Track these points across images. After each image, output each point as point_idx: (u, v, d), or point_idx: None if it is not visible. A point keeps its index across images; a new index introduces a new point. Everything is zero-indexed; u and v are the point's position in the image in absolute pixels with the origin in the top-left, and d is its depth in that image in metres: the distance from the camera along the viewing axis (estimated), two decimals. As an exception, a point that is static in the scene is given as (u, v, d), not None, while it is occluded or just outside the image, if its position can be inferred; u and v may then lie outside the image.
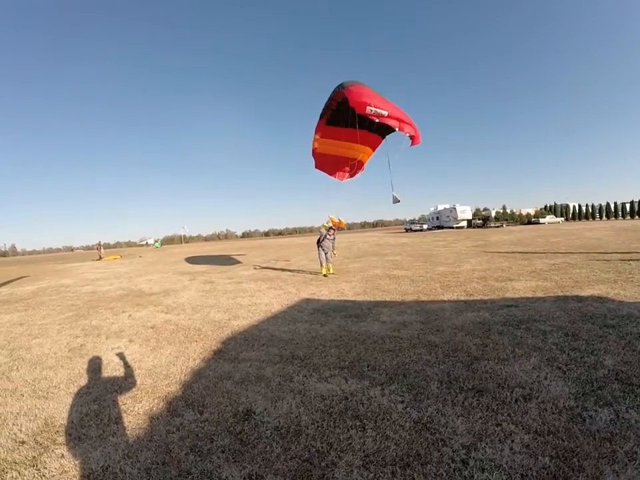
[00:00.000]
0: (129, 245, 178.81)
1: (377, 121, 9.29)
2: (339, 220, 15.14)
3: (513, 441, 3.22)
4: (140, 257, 42.19)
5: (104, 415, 4.12)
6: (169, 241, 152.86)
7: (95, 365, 5.78)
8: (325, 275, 14.36)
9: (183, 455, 3.29)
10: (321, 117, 11.95)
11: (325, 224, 15.33)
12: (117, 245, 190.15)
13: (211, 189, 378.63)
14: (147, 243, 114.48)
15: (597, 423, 3.42)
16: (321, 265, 14.75)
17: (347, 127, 11.20)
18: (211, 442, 3.46)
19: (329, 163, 13.96)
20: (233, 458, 3.20)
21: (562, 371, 4.56)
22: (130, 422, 3.95)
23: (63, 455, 3.39)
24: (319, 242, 15.02)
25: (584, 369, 4.57)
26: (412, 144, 9.90)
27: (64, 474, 3.11)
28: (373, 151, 12.95)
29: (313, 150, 13.21)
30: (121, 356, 6.17)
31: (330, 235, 15.02)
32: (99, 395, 4.62)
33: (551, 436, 3.26)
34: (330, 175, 14.29)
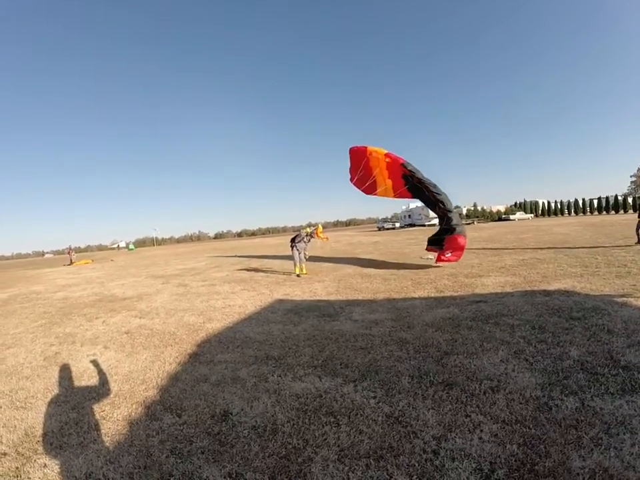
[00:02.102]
0: (100, 248, 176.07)
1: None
2: (325, 236, 15.92)
3: (481, 431, 3.36)
4: (112, 260, 41.58)
5: (83, 422, 4.14)
6: (140, 243, 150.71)
7: (71, 373, 5.76)
8: (298, 275, 14.41)
9: (164, 457, 3.35)
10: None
11: (309, 229, 15.45)
12: (88, 248, 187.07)
13: (183, 190, 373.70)
14: (118, 246, 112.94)
15: (563, 411, 3.58)
16: (295, 265, 14.76)
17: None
18: (191, 444, 3.53)
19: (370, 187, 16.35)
20: (213, 458, 3.28)
21: (529, 363, 4.73)
22: (110, 428, 3.98)
23: (45, 464, 3.42)
24: (293, 241, 15.03)
25: (550, 360, 4.75)
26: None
27: None
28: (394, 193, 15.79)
29: (370, 179, 15.73)
30: (97, 363, 6.15)
31: (307, 240, 15.09)
32: (77, 403, 4.63)
33: (519, 425, 3.41)
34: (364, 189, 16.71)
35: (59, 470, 3.32)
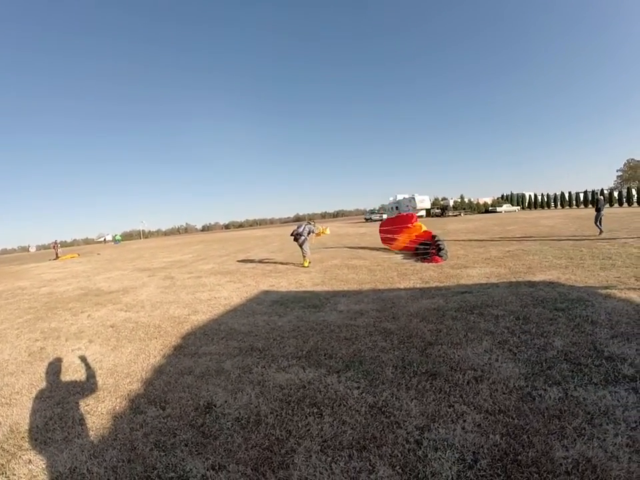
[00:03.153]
0: (87, 242, 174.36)
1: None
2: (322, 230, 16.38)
3: (464, 421, 3.38)
4: (98, 254, 41.19)
5: (68, 417, 4.12)
6: (127, 236, 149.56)
7: (56, 368, 5.73)
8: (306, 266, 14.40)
9: (148, 451, 3.34)
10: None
11: (312, 226, 15.57)
12: (74, 242, 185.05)
13: (170, 183, 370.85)
14: (104, 239, 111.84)
15: (546, 401, 3.60)
16: (305, 257, 14.80)
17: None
18: (174, 436, 3.53)
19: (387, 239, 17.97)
20: (196, 450, 3.28)
21: (512, 353, 4.76)
22: (94, 422, 3.97)
23: (30, 460, 3.40)
24: (299, 237, 14.99)
25: (534, 351, 4.78)
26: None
27: (33, 479, 3.14)
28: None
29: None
30: (82, 357, 6.13)
31: (307, 235, 15.08)
32: (62, 398, 4.60)
33: (502, 415, 3.42)
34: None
35: (43, 466, 3.31)
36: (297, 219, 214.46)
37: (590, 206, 70.53)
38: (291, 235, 15.37)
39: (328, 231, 16.76)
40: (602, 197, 19.17)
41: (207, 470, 3.02)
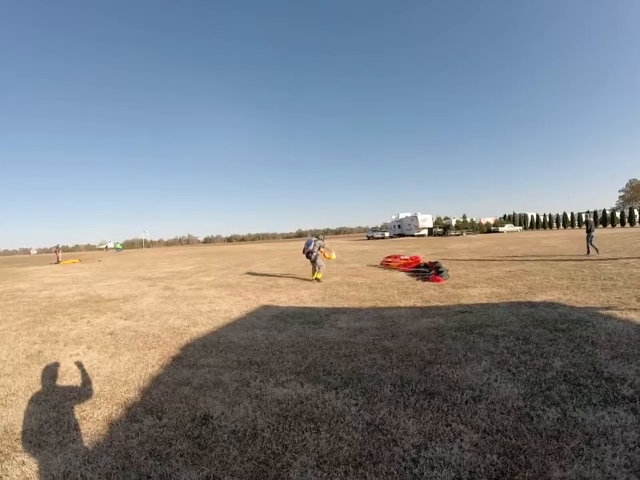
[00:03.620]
0: (89, 248, 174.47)
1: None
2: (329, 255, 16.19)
3: (462, 440, 3.36)
4: (99, 261, 41.10)
5: (63, 421, 4.12)
6: (129, 245, 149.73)
7: (53, 372, 5.73)
8: (318, 280, 14.59)
9: (142, 459, 3.33)
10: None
11: (322, 241, 15.63)
12: (76, 248, 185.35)
13: (174, 193, 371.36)
14: (106, 247, 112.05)
15: (545, 421, 3.58)
16: (318, 270, 14.89)
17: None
18: (170, 446, 3.51)
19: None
20: (192, 461, 3.26)
21: (512, 373, 4.75)
22: (89, 428, 3.96)
23: (23, 462, 3.40)
24: (311, 254, 15.07)
25: (533, 371, 4.77)
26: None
27: None
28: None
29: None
30: (80, 363, 6.12)
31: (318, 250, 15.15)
32: (58, 402, 4.60)
33: (499, 434, 3.41)
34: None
35: (37, 468, 3.30)
36: (300, 234, 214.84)
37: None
38: (303, 252, 15.50)
39: (334, 256, 16.77)
40: (591, 219, 20.63)
41: (202, 481, 3.00)
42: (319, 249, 15.14)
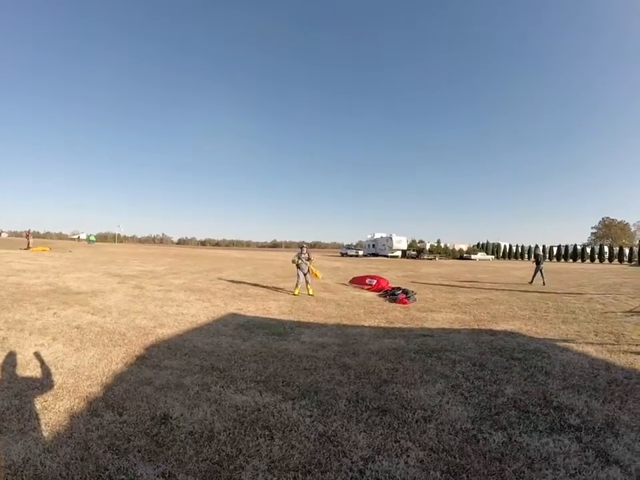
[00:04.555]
0: (60, 237, 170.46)
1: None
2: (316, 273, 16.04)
3: (408, 456, 3.51)
4: (70, 251, 40.19)
5: (25, 410, 4.17)
6: (102, 238, 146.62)
7: (17, 361, 5.75)
8: (295, 294, 14.38)
9: (101, 452, 3.42)
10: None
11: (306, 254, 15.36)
12: (47, 235, 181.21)
13: (151, 190, 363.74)
14: (79, 237, 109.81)
15: (490, 444, 3.74)
16: (296, 285, 14.74)
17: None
18: (128, 442, 3.61)
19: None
20: (149, 457, 3.37)
21: (464, 397, 4.92)
22: (51, 419, 4.03)
23: None
24: (304, 267, 14.91)
25: (485, 396, 4.94)
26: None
27: None
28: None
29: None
30: (44, 354, 6.14)
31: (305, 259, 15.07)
32: (20, 391, 4.64)
33: (445, 453, 3.57)
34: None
35: (-3, 453, 3.35)
36: (274, 244, 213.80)
37: (562, 260, 72.13)
38: (297, 267, 15.03)
39: (320, 276, 16.58)
40: (541, 253, 23.41)
41: (158, 477, 3.11)
42: (307, 260, 15.10)
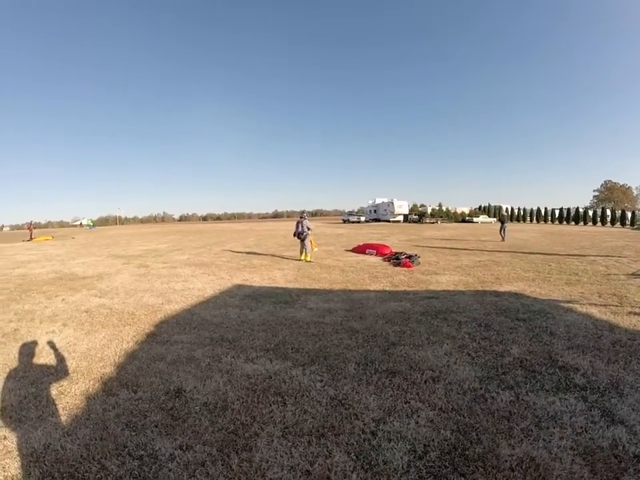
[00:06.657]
0: (62, 225, 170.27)
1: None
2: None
3: (418, 416, 3.58)
4: (73, 238, 40.51)
5: (42, 396, 4.22)
6: (103, 222, 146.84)
7: (30, 349, 5.79)
8: (306, 261, 14.95)
9: (119, 430, 3.49)
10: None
11: (308, 221, 15.79)
12: (49, 224, 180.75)
13: (149, 170, 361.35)
14: (80, 223, 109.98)
15: (498, 403, 3.81)
16: (305, 253, 15.30)
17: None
18: (145, 418, 3.68)
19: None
20: (165, 431, 3.44)
21: (471, 357, 4.99)
22: (68, 402, 4.08)
23: (5, 436, 3.48)
24: (302, 234, 15.42)
25: (491, 356, 5.01)
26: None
27: (7, 454, 3.22)
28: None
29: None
30: (56, 340, 6.18)
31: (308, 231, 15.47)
32: (36, 378, 4.68)
33: (454, 413, 3.64)
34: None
35: (17, 442, 3.39)
36: (276, 215, 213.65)
37: (564, 222, 71.87)
38: (294, 235, 15.76)
39: (316, 249, 17.10)
40: (505, 214, 27.36)
41: (175, 449, 3.18)
42: (308, 229, 15.41)
